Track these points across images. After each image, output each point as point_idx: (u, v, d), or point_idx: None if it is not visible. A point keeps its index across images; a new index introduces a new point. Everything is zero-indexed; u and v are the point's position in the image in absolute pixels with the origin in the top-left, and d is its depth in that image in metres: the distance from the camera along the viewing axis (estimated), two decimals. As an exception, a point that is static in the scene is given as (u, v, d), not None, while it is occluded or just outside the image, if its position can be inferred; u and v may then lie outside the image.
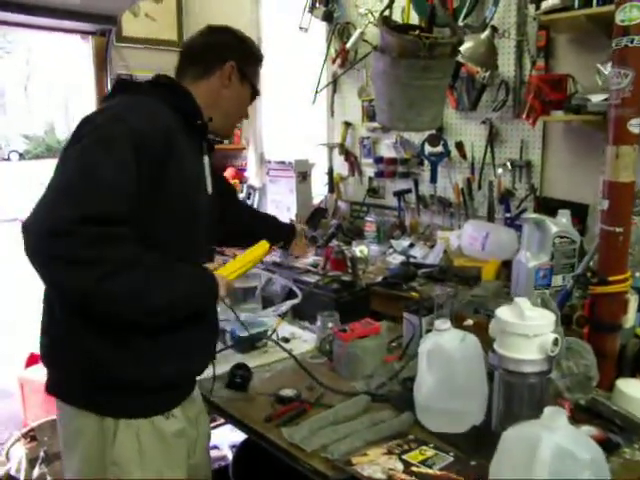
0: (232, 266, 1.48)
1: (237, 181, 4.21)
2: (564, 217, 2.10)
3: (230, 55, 1.50)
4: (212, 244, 1.60)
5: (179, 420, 1.43)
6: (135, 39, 4.13)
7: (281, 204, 3.60)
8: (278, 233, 2.03)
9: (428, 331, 1.83)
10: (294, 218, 3.51)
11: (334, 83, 3.64)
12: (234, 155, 4.48)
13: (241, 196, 4.00)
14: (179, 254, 1.35)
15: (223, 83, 1.50)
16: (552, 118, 2.49)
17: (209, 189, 1.48)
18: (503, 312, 1.27)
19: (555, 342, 1.21)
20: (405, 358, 1.80)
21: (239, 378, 1.67)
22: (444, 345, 1.41)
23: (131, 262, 1.21)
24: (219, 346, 1.87)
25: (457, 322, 1.75)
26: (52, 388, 1.42)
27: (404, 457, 1.29)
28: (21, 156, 21.08)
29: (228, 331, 1.94)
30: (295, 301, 1.96)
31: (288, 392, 1.59)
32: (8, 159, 20.54)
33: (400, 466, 1.24)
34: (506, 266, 2.48)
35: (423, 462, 1.27)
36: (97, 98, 3.95)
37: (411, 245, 3.05)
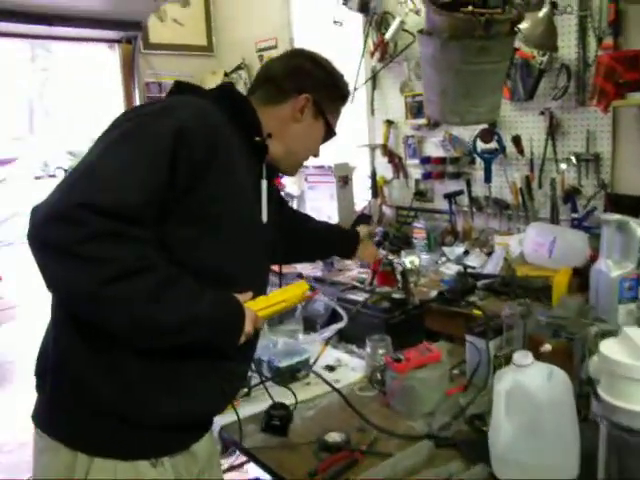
0: (263, 302, 1.24)
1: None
2: (651, 217, 1.80)
3: (308, 86, 1.33)
4: (265, 280, 1.38)
5: (168, 473, 1.17)
6: (163, 45, 4.05)
7: (321, 211, 3.38)
8: (346, 244, 1.83)
9: (495, 357, 1.58)
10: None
11: (373, 79, 3.43)
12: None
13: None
14: (215, 282, 1.14)
15: (294, 115, 1.33)
16: (629, 102, 2.18)
17: (264, 217, 1.27)
18: (610, 347, 0.98)
19: (683, 387, 0.92)
20: (471, 390, 1.55)
21: (277, 420, 1.44)
22: (527, 384, 1.15)
23: (141, 268, 1.02)
24: (255, 379, 1.66)
25: (531, 347, 1.49)
26: (33, 416, 1.21)
27: (483, 529, 1.03)
28: (66, 172, 21.55)
29: (265, 361, 1.72)
30: (340, 325, 1.73)
31: (335, 437, 1.38)
32: (54, 176, 21.06)
33: None
34: (576, 274, 2.19)
35: (508, 537, 1.01)
36: (125, 107, 3.83)
37: (466, 252, 2.79)
